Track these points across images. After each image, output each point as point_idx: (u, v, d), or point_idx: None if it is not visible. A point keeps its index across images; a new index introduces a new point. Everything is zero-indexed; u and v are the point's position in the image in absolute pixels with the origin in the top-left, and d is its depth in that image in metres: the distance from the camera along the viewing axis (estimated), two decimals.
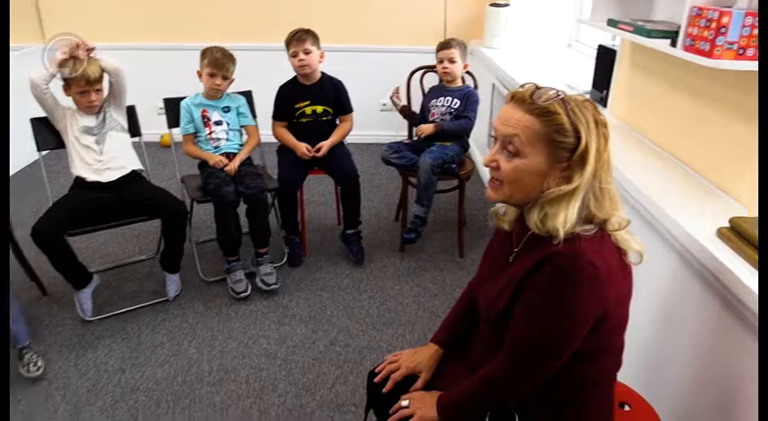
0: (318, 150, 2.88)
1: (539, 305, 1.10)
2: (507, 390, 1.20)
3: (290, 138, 2.91)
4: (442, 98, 3.02)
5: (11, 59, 3.77)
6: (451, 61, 2.95)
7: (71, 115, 2.50)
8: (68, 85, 2.45)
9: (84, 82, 2.41)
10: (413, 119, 3.19)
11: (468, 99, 2.97)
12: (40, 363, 2.18)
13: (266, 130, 3.00)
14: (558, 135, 1.07)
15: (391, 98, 3.14)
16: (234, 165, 2.71)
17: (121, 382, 2.17)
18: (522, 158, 1.11)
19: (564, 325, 1.09)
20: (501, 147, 1.13)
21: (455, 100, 2.98)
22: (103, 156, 2.50)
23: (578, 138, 1.07)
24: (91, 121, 2.51)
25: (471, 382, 1.24)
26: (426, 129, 2.97)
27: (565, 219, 1.08)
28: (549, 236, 1.10)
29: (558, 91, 1.09)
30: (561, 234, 1.07)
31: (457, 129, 2.95)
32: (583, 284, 1.06)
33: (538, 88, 1.11)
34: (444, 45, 2.98)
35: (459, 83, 3.03)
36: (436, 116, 3.02)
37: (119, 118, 2.60)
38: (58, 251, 2.36)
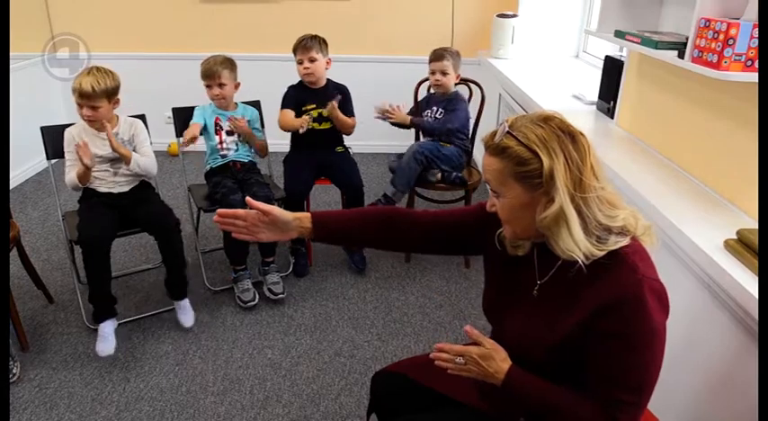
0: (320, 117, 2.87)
1: (624, 343, 1.04)
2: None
3: (293, 119, 2.86)
4: (429, 109, 3.05)
5: (23, 68, 3.87)
6: (444, 73, 2.94)
7: (83, 147, 2.32)
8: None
9: (77, 95, 2.29)
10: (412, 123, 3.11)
11: (449, 103, 2.97)
12: (15, 371, 2.19)
13: (273, 140, 3.02)
14: (520, 166, 1.07)
15: (382, 116, 2.98)
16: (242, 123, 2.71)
17: (126, 392, 2.17)
18: (503, 198, 1.12)
19: (653, 355, 1.05)
20: (491, 192, 1.17)
21: (440, 110, 3.00)
22: (116, 178, 2.47)
23: (541, 161, 1.04)
24: (106, 151, 2.39)
25: (552, 390, 1.14)
26: (398, 116, 2.94)
27: (574, 241, 1.05)
28: (587, 259, 1.06)
29: (505, 125, 1.09)
30: (595, 251, 1.05)
31: (431, 128, 2.95)
32: (653, 304, 1.03)
33: (499, 127, 1.12)
34: (437, 56, 2.94)
35: (451, 89, 3.01)
36: None
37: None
38: (104, 259, 2.29)
